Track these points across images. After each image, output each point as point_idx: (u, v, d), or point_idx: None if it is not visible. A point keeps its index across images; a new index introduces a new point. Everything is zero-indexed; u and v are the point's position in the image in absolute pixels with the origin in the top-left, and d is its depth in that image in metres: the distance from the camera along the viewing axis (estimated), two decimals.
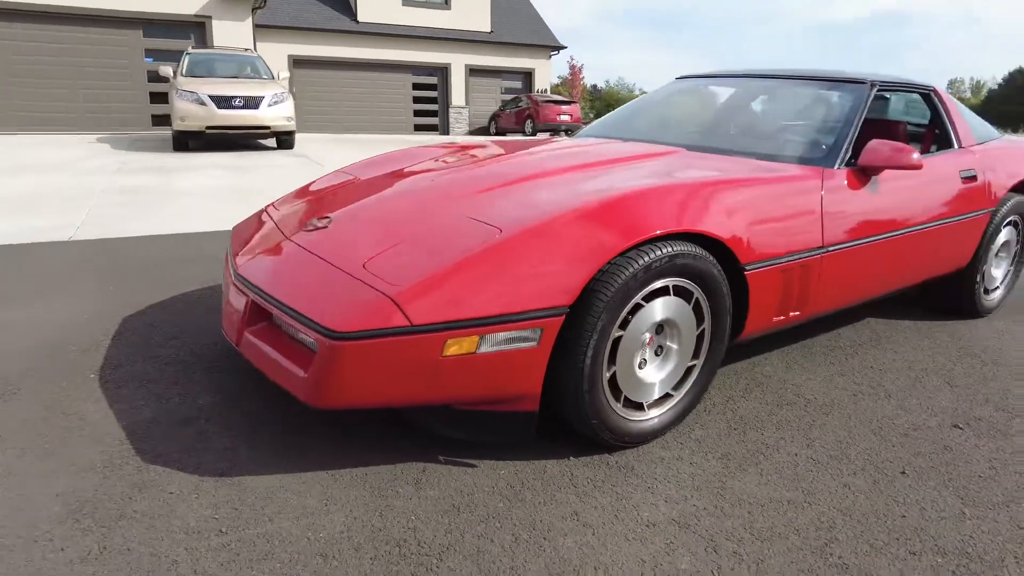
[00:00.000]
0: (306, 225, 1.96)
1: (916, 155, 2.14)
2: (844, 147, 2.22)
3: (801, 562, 1.39)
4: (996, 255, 3.01)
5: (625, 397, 1.73)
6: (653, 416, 1.81)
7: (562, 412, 1.66)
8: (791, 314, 2.07)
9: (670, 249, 1.64)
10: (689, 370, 1.88)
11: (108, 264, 3.47)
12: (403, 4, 18.11)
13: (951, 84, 69.35)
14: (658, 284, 1.67)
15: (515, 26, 20.40)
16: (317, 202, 2.20)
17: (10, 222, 4.37)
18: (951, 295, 2.94)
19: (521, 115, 17.73)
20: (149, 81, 12.92)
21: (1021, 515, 1.59)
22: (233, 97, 8.40)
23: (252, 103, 8.51)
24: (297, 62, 16.77)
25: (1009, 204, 2.87)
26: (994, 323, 3.01)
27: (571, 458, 1.75)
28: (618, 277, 1.56)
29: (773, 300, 1.97)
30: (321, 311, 1.47)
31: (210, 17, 13.03)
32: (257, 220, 2.27)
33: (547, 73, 20.97)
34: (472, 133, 19.47)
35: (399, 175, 2.33)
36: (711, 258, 1.75)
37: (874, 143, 2.19)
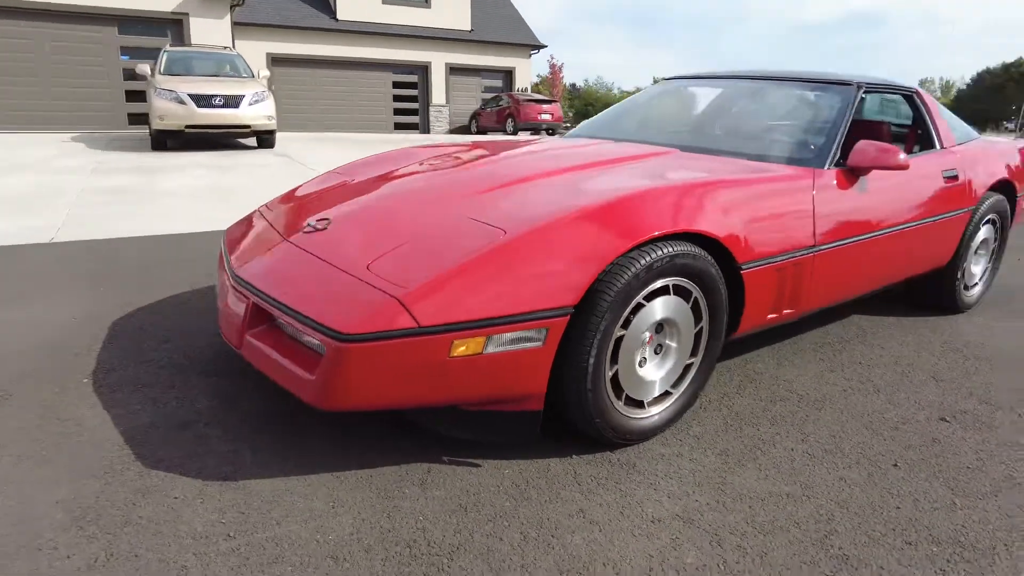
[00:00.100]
0: (304, 227, 1.95)
1: (903, 156, 2.19)
2: (833, 148, 2.27)
3: (803, 554, 1.42)
4: (976, 252, 3.10)
5: (626, 395, 1.76)
6: (653, 413, 1.84)
7: (566, 411, 1.68)
8: (784, 311, 2.12)
9: (671, 249, 1.67)
10: (687, 368, 1.91)
11: (92, 266, 3.42)
12: (383, 2, 18.01)
13: (922, 84, 70.86)
14: (659, 284, 1.70)
15: (495, 25, 20.39)
16: (313, 204, 2.19)
17: None
18: (933, 291, 3.02)
19: (502, 114, 17.73)
20: (125, 79, 12.68)
21: (1008, 505, 1.64)
22: (213, 96, 8.29)
23: (232, 102, 8.40)
24: (276, 60, 16.59)
25: (988, 203, 2.95)
26: (973, 319, 3.09)
27: (574, 456, 1.77)
28: (621, 277, 1.59)
29: (768, 298, 2.01)
30: (327, 313, 1.47)
31: (187, 14, 12.83)
32: (251, 222, 2.25)
33: (527, 72, 21.00)
34: (453, 132, 19.42)
35: (394, 176, 2.33)
36: (709, 258, 1.79)
37: (862, 144, 2.24)
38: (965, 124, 3.21)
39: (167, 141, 8.42)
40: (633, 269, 1.60)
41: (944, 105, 3.21)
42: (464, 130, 19.57)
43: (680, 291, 1.78)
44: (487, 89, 20.43)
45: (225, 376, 2.15)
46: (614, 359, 1.69)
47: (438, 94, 19.38)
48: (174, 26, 13.01)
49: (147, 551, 1.35)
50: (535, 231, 1.58)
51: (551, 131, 17.44)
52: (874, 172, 2.32)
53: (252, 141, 9.96)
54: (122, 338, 2.45)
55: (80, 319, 2.63)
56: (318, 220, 1.97)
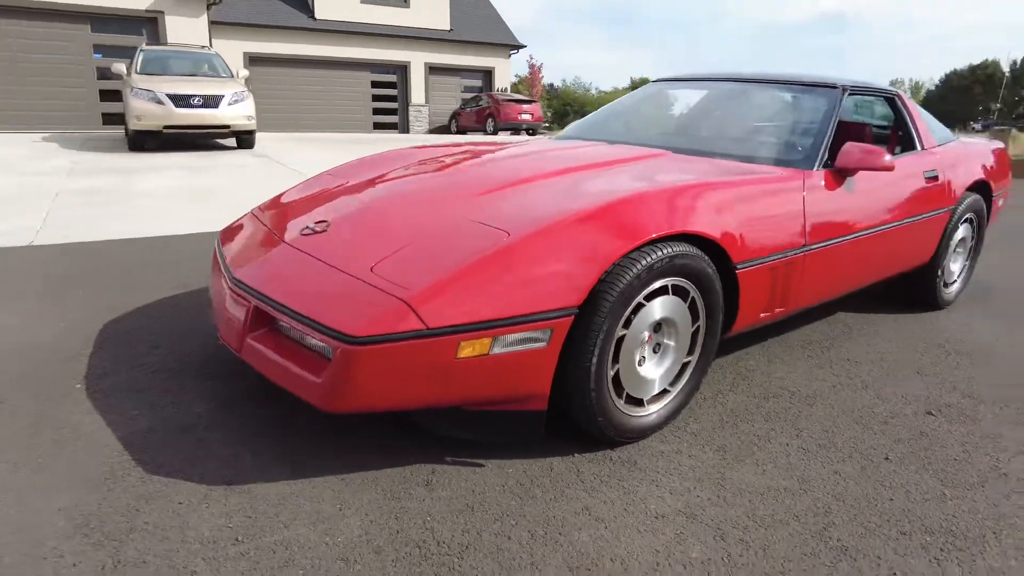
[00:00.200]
0: (302, 229, 1.95)
1: (888, 157, 2.25)
2: (822, 149, 2.32)
3: (804, 546, 1.46)
4: (955, 250, 3.19)
5: (627, 394, 1.78)
6: (652, 411, 1.87)
7: (569, 410, 1.70)
8: (776, 310, 2.16)
9: (670, 250, 1.70)
10: (684, 366, 1.94)
11: (75, 270, 3.36)
12: (361, 2, 17.90)
13: (892, 84, 72.10)
14: (658, 284, 1.73)
15: (475, 25, 20.38)
16: (309, 206, 2.18)
17: None
18: (915, 289, 3.10)
19: (482, 114, 17.73)
20: (99, 78, 12.43)
21: (995, 495, 1.70)
22: (192, 96, 8.17)
23: (212, 102, 8.28)
24: (253, 59, 16.40)
25: (966, 202, 3.04)
26: (953, 315, 3.18)
27: (575, 454, 1.79)
28: (623, 278, 1.61)
29: (761, 297, 2.05)
30: (335, 316, 1.47)
31: (163, 12, 12.61)
32: (247, 224, 2.24)
33: (507, 72, 21.03)
34: (432, 132, 19.37)
35: (390, 178, 2.33)
36: (706, 258, 1.82)
37: (849, 146, 2.29)
38: (943, 126, 3.30)
39: (145, 142, 8.27)
40: (635, 270, 1.63)
41: None
42: (444, 130, 19.52)
43: (678, 291, 1.81)
44: (467, 89, 20.41)
45: (220, 379, 2.13)
46: (615, 358, 1.71)
47: (417, 94, 19.33)
48: (149, 24, 12.78)
49: (155, 557, 1.34)
50: (538, 233, 1.60)
51: (531, 131, 17.48)
52: (860, 173, 2.38)
53: (231, 142, 9.83)
54: (112, 342, 2.41)
55: (67, 323, 2.59)
56: (316, 222, 1.97)
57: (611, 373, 1.71)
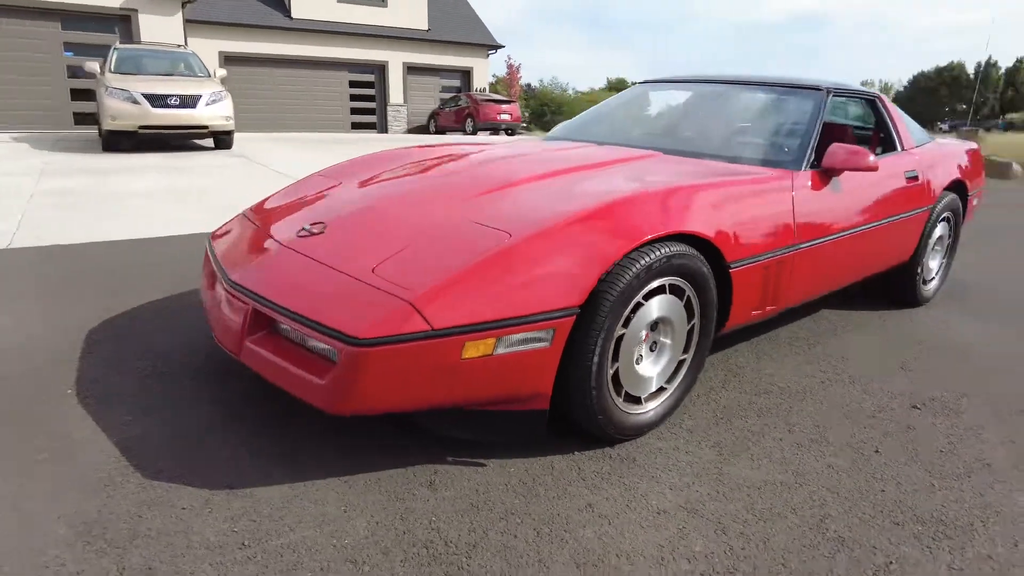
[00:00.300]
0: (299, 231, 1.94)
1: (872, 158, 2.31)
2: (809, 150, 2.38)
3: (803, 538, 1.50)
4: (933, 248, 3.28)
5: (626, 392, 1.81)
6: (649, 409, 1.90)
7: (571, 409, 1.72)
8: (768, 308, 2.21)
9: (667, 250, 1.73)
10: (680, 364, 1.97)
11: (55, 273, 3.29)
12: (338, 1, 17.75)
13: (863, 85, 73.64)
14: (656, 283, 1.76)
15: (453, 25, 20.34)
16: (303, 208, 2.17)
17: None
18: (895, 286, 3.18)
19: (461, 114, 17.71)
20: (70, 77, 12.16)
21: (980, 484, 1.76)
22: (169, 96, 8.03)
23: (189, 102, 8.15)
24: (229, 59, 16.17)
25: (944, 201, 3.13)
26: (931, 311, 3.27)
27: (576, 452, 1.81)
28: (623, 277, 1.64)
29: (754, 295, 2.09)
30: (338, 318, 1.47)
31: (136, 10, 12.37)
32: (239, 226, 2.22)
33: (485, 72, 21.02)
34: (411, 131, 19.29)
35: (384, 179, 2.33)
36: (701, 257, 1.85)
37: (835, 147, 2.35)
38: (920, 127, 3.39)
39: (119, 142, 8.11)
40: (634, 269, 1.65)
41: None
42: (423, 130, 19.46)
43: (675, 290, 1.84)
44: (445, 89, 20.37)
45: (214, 383, 2.12)
46: (615, 357, 1.74)
47: (395, 94, 19.23)
48: (122, 23, 12.53)
49: (161, 564, 1.33)
50: (540, 234, 1.62)
51: (510, 131, 17.50)
52: (845, 173, 2.44)
53: (208, 142, 9.69)
54: (101, 347, 2.38)
55: (53, 327, 2.54)
56: (312, 224, 1.96)
57: (611, 372, 1.73)
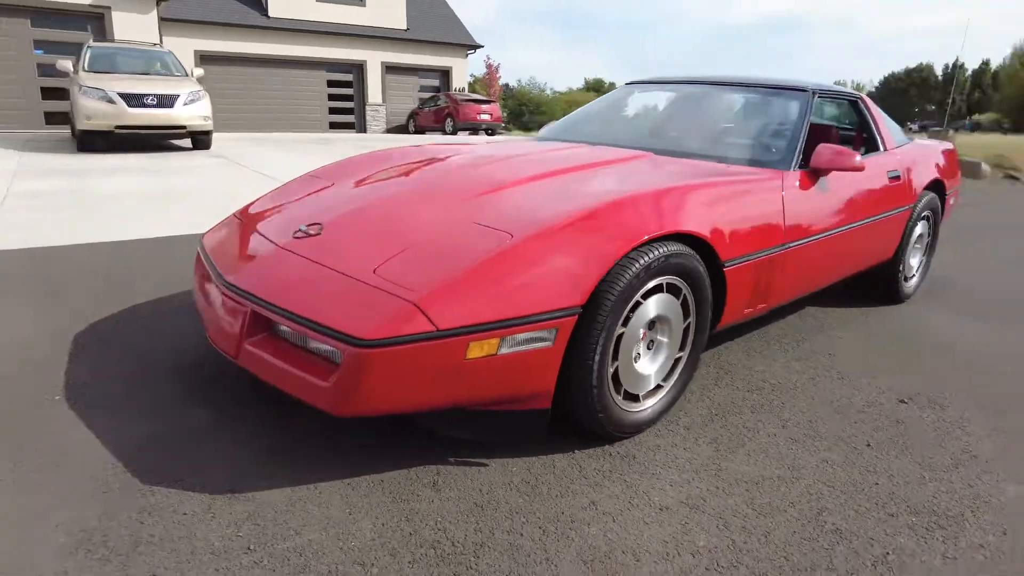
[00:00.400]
0: (295, 232, 1.93)
1: (858, 158, 2.36)
2: (797, 151, 2.42)
3: (802, 531, 1.53)
4: (914, 246, 3.36)
5: (624, 390, 1.83)
6: (647, 407, 1.92)
7: (572, 408, 1.73)
8: (759, 306, 2.24)
9: (666, 249, 1.75)
10: (676, 361, 2.00)
11: (37, 277, 3.22)
12: (316, 0, 17.59)
13: (836, 85, 74.84)
14: (654, 282, 1.78)
15: (431, 24, 20.28)
16: (298, 208, 2.16)
17: None
18: (878, 283, 3.25)
19: (440, 113, 17.65)
20: (40, 75, 11.89)
21: (969, 475, 1.81)
22: (145, 95, 7.89)
23: (167, 101, 8.02)
24: (205, 58, 15.94)
25: (924, 200, 3.21)
26: (912, 308, 3.35)
27: (576, 451, 1.82)
28: (623, 277, 1.65)
29: (746, 293, 2.13)
30: (343, 320, 1.47)
31: (109, 8, 12.12)
32: (232, 227, 2.20)
33: (464, 71, 20.99)
34: (390, 131, 19.19)
35: (379, 180, 2.32)
36: (697, 256, 1.88)
37: (822, 147, 2.40)
38: (899, 127, 3.47)
39: (94, 142, 7.95)
40: (634, 269, 1.67)
41: None
42: (402, 130, 19.37)
43: (672, 289, 1.87)
44: (424, 88, 20.30)
45: (208, 387, 2.09)
46: (615, 356, 1.75)
47: (374, 93, 19.12)
48: (95, 20, 12.27)
49: (167, 570, 1.31)
50: (541, 234, 1.63)
51: (490, 131, 17.49)
52: (832, 173, 2.49)
53: (185, 143, 9.54)
54: (88, 352, 2.33)
55: (39, 331, 2.48)
56: (309, 225, 1.95)
57: (611, 370, 1.75)
